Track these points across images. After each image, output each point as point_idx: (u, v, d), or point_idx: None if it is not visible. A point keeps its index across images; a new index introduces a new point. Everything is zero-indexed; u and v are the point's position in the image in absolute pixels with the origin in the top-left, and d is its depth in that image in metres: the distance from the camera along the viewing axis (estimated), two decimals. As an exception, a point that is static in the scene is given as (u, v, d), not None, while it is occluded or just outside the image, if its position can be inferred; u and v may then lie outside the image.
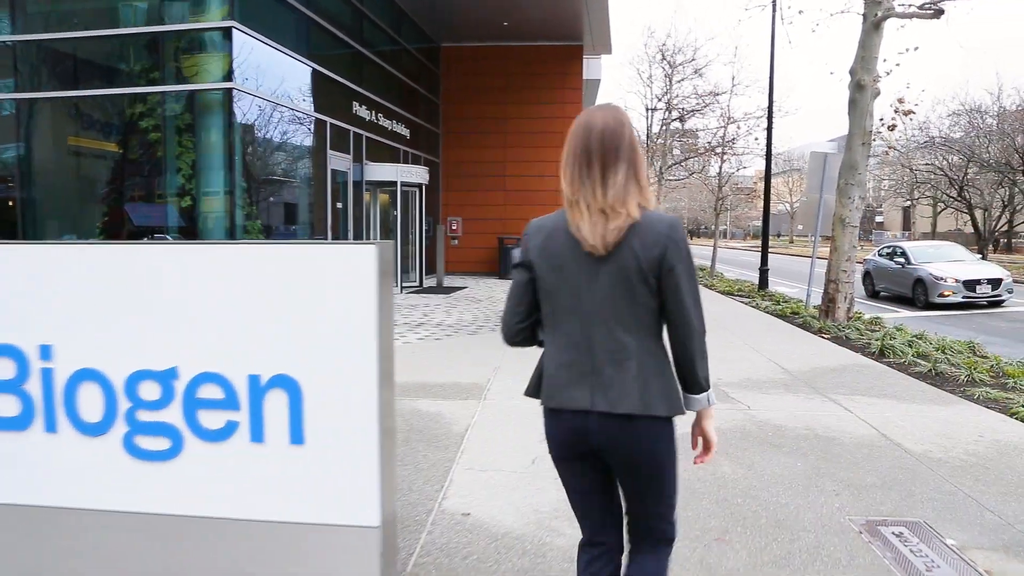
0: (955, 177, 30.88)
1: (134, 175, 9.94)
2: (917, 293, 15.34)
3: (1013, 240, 32.40)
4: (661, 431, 1.98)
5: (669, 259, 1.91)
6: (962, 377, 7.03)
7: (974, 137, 29.40)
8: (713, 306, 13.35)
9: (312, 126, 11.92)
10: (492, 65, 19.55)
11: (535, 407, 2.13)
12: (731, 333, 9.86)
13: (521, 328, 2.11)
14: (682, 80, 36.91)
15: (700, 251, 48.82)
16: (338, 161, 12.87)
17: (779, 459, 4.59)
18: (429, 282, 17.10)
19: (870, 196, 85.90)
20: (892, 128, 11.69)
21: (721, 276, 21.87)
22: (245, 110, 9.81)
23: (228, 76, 9.41)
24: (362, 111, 14.02)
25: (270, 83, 10.39)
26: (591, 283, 1.95)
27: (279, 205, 11.29)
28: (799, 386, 6.66)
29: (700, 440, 2.13)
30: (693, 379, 2.03)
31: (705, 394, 2.05)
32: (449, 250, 19.88)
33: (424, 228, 16.76)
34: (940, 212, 45.44)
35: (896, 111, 11.27)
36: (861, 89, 10.63)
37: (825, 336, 9.92)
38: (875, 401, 6.12)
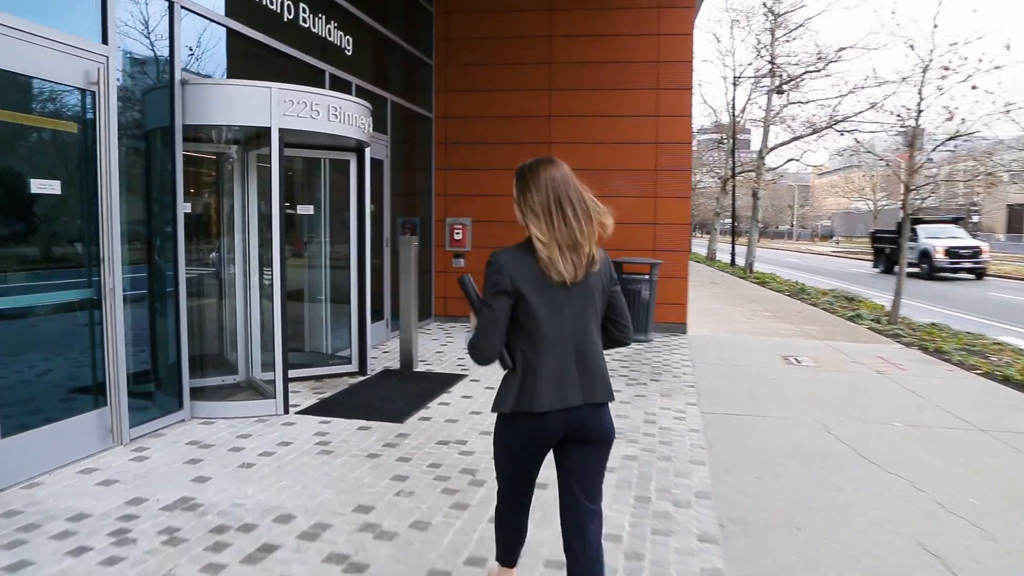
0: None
1: None
2: None
3: None
4: (609, 410, 2.55)
5: (614, 278, 2.56)
6: None
7: None
8: None
9: None
10: (528, -59, 10.63)
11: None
12: None
13: (500, 350, 2.44)
14: (787, 36, 27.80)
15: (778, 256, 37.86)
16: (31, 57, 4.10)
17: None
18: (387, 354, 8.27)
19: (952, 188, 73.09)
20: None
21: (924, 327, 12.62)
22: None
23: None
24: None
25: None
26: (570, 304, 2.42)
27: None
28: None
29: None
30: None
31: None
32: (450, 278, 10.99)
33: (372, 239, 7.96)
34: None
35: None
36: None
37: None
38: None
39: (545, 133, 10.66)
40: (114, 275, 4.73)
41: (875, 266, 30.14)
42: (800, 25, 26.81)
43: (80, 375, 4.81)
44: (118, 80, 4.80)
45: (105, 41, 4.67)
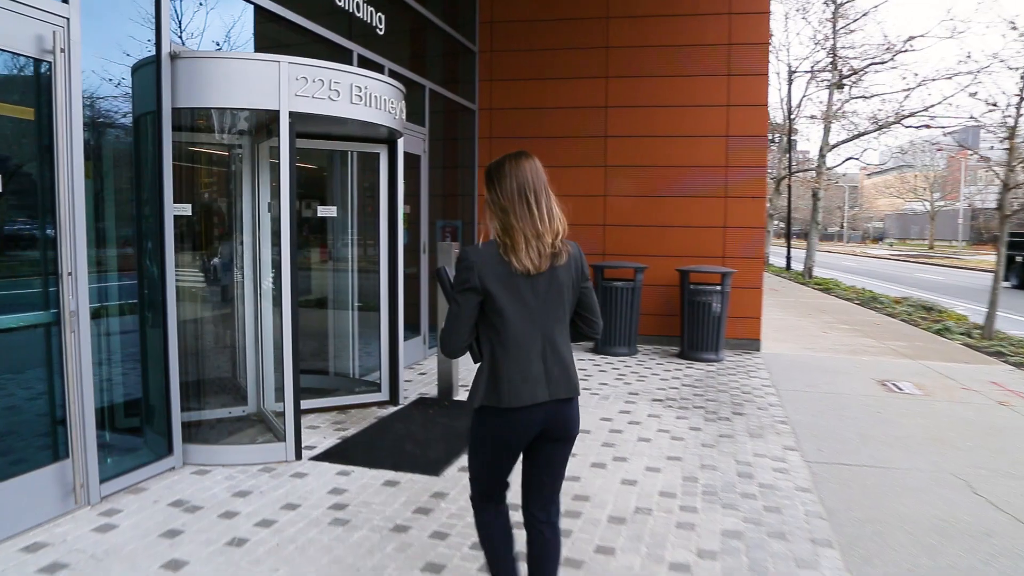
0: None
1: None
2: None
3: None
4: (578, 405, 2.55)
5: (585, 274, 2.53)
6: None
7: None
8: None
9: None
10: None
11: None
12: None
13: (468, 344, 2.45)
14: (850, 26, 26.13)
15: (832, 259, 34.37)
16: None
17: None
18: (424, 376, 7.22)
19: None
20: None
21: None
22: None
23: None
24: None
25: None
26: (537, 299, 2.40)
27: None
28: None
29: None
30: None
31: None
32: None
33: (407, 244, 6.98)
34: None
35: None
36: None
37: None
38: None
39: (601, 126, 9.53)
40: (78, 294, 3.74)
41: (1005, 279, 20.66)
42: (864, 14, 25.23)
43: (34, 421, 3.84)
44: (85, 49, 3.82)
45: (65, -1, 3.69)
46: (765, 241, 32.88)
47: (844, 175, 32.14)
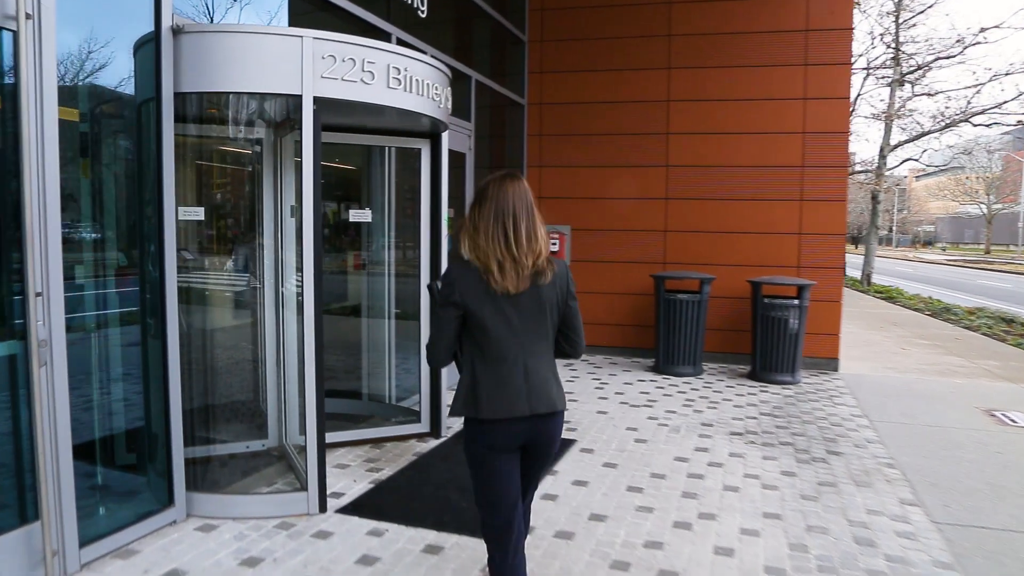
0: None
1: None
2: None
3: None
4: (562, 420, 2.57)
5: (571, 292, 2.56)
6: None
7: None
8: None
9: None
10: None
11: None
12: None
13: (451, 356, 2.50)
14: (913, 19, 24.77)
15: (884, 264, 32.19)
16: None
17: None
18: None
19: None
20: None
21: None
22: None
23: None
24: None
25: None
26: (519, 316, 2.42)
27: None
28: None
29: None
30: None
31: None
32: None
33: (450, 251, 6.15)
34: None
35: None
36: None
37: None
38: None
39: (662, 122, 8.66)
40: (50, 318, 3.02)
41: None
42: (930, 6, 23.83)
43: (-5, 475, 3.13)
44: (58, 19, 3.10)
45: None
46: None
47: (905, 178, 30.78)
